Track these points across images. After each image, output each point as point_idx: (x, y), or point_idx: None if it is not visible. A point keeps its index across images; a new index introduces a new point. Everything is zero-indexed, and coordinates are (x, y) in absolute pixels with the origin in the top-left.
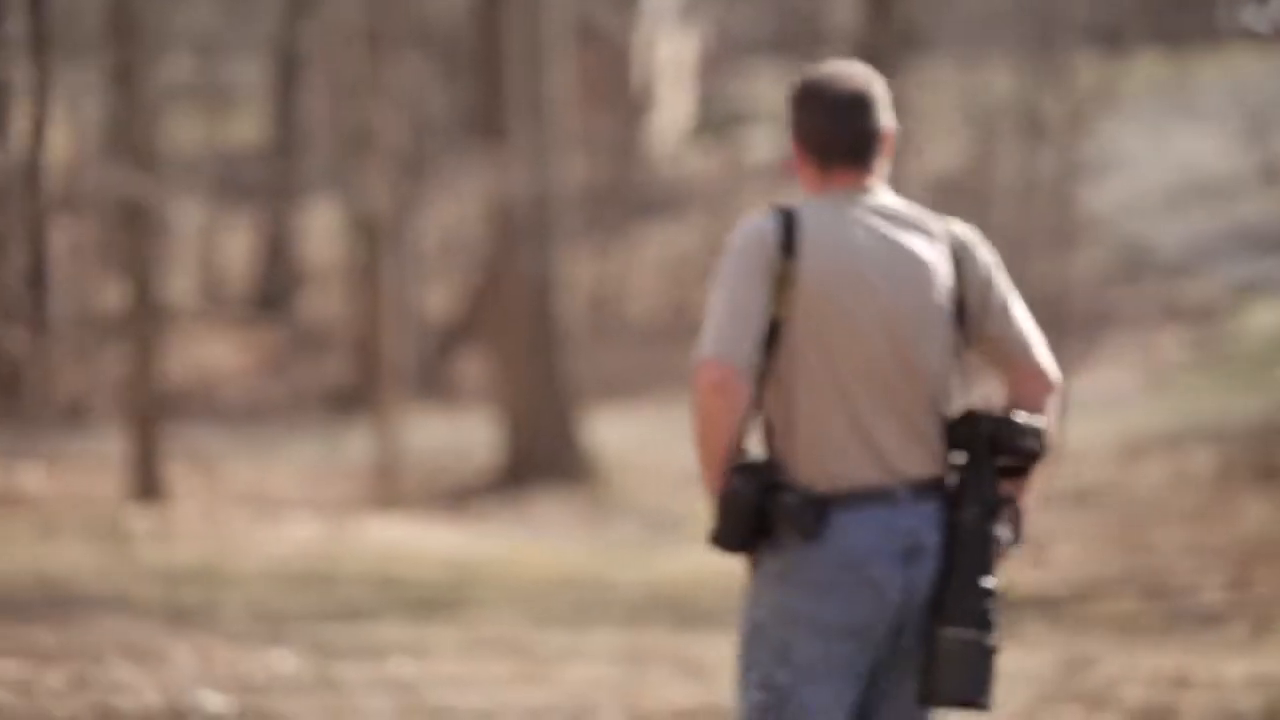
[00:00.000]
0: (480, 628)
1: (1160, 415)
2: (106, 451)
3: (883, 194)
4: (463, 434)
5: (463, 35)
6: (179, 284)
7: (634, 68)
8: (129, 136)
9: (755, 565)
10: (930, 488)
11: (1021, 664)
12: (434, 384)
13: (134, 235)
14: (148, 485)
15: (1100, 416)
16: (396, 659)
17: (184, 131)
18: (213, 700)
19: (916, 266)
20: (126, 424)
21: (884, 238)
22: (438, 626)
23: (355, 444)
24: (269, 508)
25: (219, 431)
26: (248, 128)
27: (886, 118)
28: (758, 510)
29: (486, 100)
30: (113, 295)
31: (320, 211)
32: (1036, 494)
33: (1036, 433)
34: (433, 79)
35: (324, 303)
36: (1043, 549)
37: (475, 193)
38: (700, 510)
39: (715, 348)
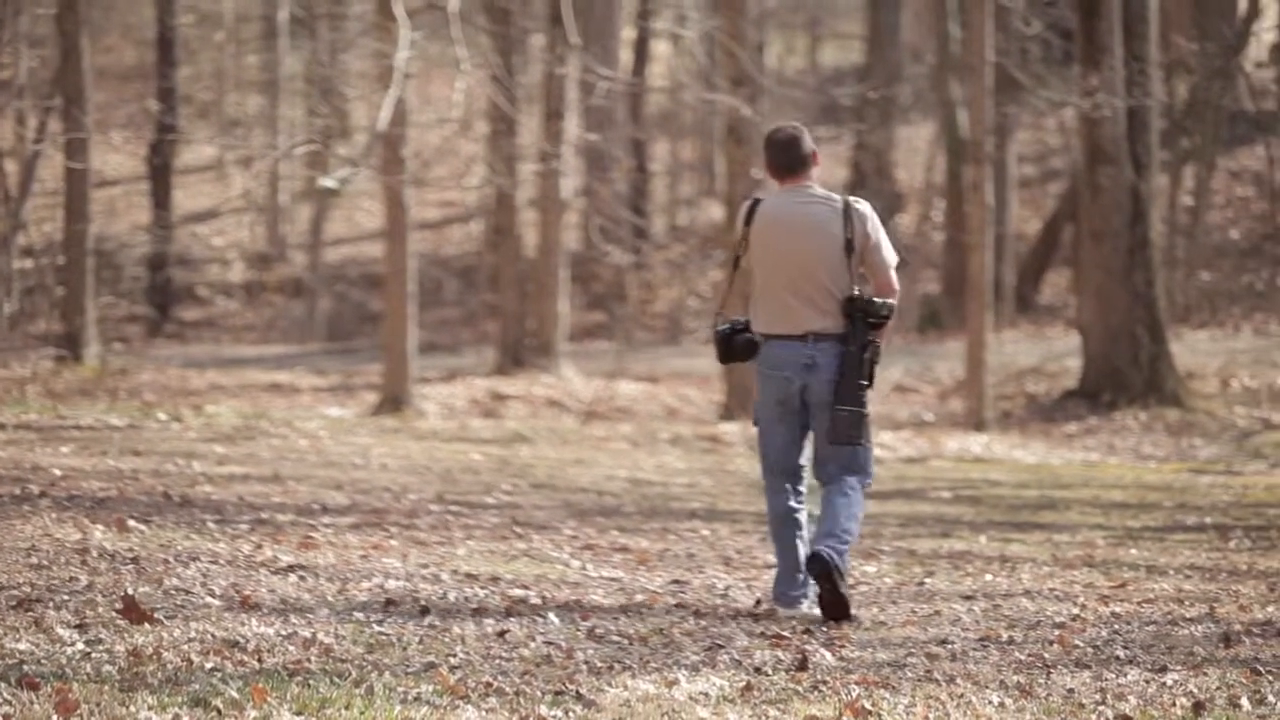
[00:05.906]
0: (1062, 542)
1: None
2: (700, 368)
3: (810, 188)
4: (1047, 352)
5: None
6: None
7: None
8: (729, 57)
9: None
10: (828, 336)
11: None
12: (1021, 302)
13: (734, 155)
14: (739, 401)
15: None
16: (983, 570)
17: (783, 53)
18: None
19: (818, 224)
20: None
21: (802, 210)
22: (1020, 540)
23: (943, 361)
24: None
25: None
26: (846, 50)
27: (809, 147)
28: (727, 341)
29: (1085, 21)
30: (709, 214)
31: (913, 133)
32: (887, 338)
33: (886, 307)
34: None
35: (913, 223)
36: None
37: (1063, 115)
38: None
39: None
